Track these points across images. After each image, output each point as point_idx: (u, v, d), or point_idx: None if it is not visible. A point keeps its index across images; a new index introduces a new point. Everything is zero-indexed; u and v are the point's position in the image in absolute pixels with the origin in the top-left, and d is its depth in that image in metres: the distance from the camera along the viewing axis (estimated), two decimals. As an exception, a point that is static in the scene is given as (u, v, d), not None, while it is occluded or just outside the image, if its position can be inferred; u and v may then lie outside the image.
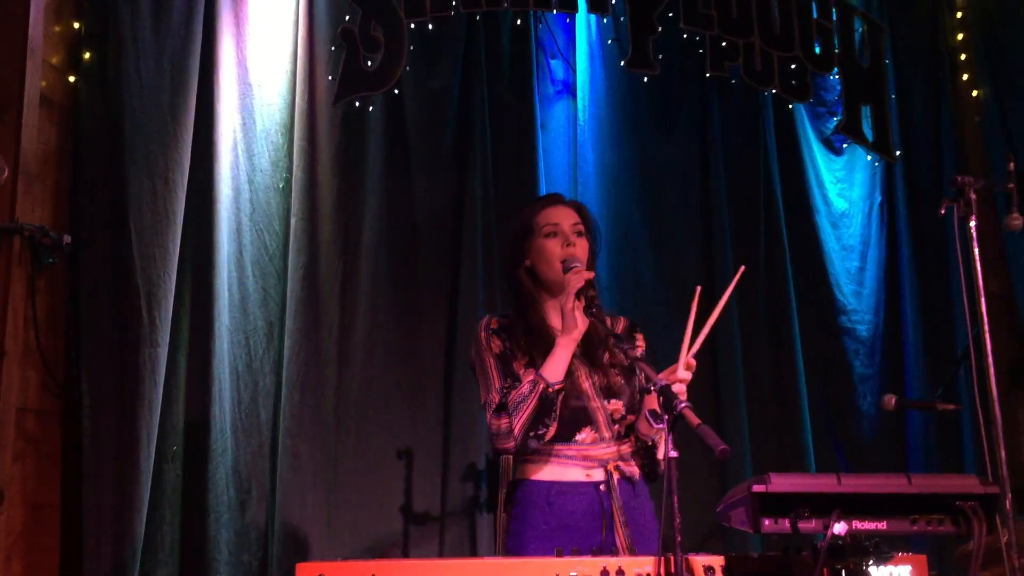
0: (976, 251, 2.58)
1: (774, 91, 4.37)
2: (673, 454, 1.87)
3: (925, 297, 4.55)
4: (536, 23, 4.09)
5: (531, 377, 2.43)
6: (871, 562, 1.84)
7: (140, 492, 2.99)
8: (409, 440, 3.59)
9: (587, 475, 2.50)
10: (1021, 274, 4.58)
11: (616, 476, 2.49)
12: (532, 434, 2.43)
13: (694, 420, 1.86)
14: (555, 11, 4.03)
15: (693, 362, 2.42)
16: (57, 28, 3.23)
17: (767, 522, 1.83)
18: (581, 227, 2.62)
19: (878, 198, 4.64)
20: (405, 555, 3.49)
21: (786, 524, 1.83)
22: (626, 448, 2.56)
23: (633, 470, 2.53)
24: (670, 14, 4.16)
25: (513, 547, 2.51)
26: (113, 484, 2.98)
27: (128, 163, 3.17)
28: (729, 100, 4.37)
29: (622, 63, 4.10)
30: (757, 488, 1.81)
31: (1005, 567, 2.25)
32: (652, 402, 2.45)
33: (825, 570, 1.83)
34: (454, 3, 3.80)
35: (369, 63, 3.70)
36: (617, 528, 2.44)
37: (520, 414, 2.41)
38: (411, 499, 3.54)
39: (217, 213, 3.33)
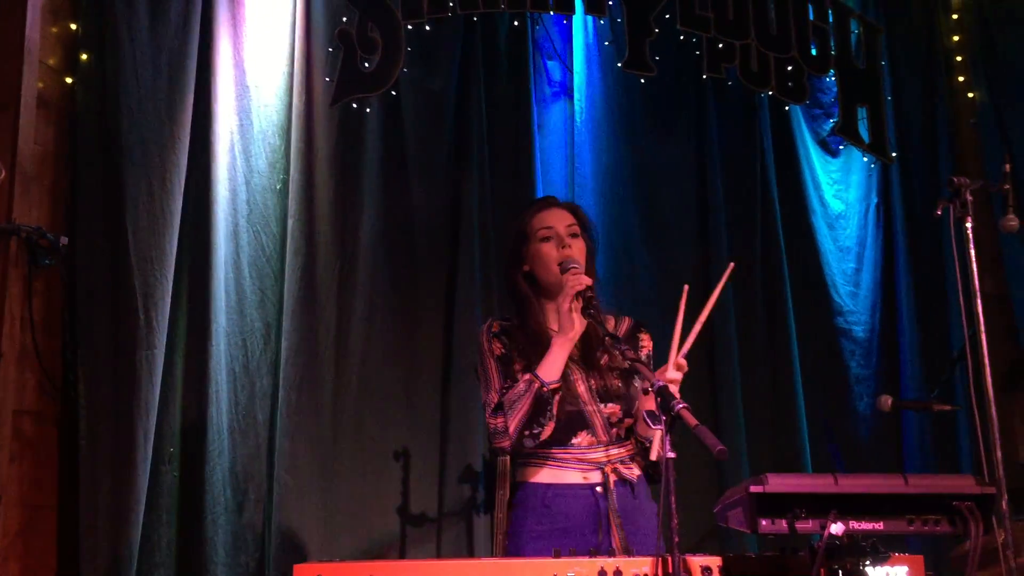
0: (972, 252, 2.58)
1: (770, 92, 4.38)
2: (671, 455, 1.87)
3: (921, 298, 4.56)
4: (533, 24, 4.10)
5: (527, 377, 2.44)
6: (868, 562, 1.85)
7: (137, 494, 2.99)
8: (406, 441, 3.59)
9: (584, 478, 2.51)
10: (1016, 275, 4.59)
11: (613, 479, 2.50)
12: (527, 433, 2.44)
13: (691, 421, 1.87)
14: (552, 12, 4.03)
15: (683, 362, 2.43)
16: (54, 29, 3.23)
17: (764, 522, 1.83)
18: (576, 228, 2.63)
19: (874, 199, 4.65)
20: (402, 556, 3.49)
21: (783, 524, 1.84)
22: (625, 451, 2.56)
23: (632, 473, 2.54)
24: (667, 16, 4.17)
25: (511, 549, 2.52)
26: (110, 486, 2.98)
27: (125, 164, 3.16)
28: (726, 101, 4.38)
29: (619, 64, 4.11)
30: (754, 489, 1.82)
31: (1001, 567, 2.26)
32: (647, 403, 2.46)
33: (822, 570, 1.84)
34: (451, 4, 3.80)
35: (366, 64, 3.70)
36: (613, 530, 2.44)
37: (516, 413, 2.43)
38: (408, 500, 3.54)
39: (214, 214, 3.32)
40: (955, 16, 4.99)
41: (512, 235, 2.70)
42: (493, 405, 2.50)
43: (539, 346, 2.51)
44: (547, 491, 2.51)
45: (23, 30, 3.07)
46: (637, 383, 2.55)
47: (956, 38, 4.99)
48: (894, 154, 4.66)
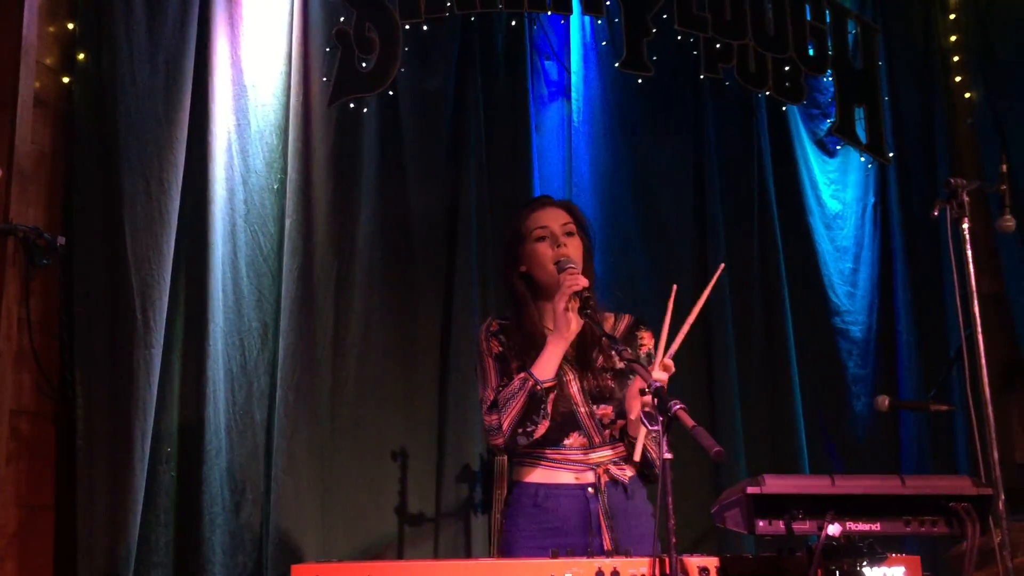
0: (969, 252, 2.59)
1: (768, 93, 4.38)
2: (668, 456, 1.87)
3: (918, 298, 4.57)
4: (531, 24, 4.10)
5: (521, 375, 2.45)
6: (865, 563, 1.85)
7: (134, 494, 2.98)
8: (404, 441, 3.59)
9: (576, 478, 2.51)
10: (1013, 275, 4.60)
11: (605, 480, 2.50)
12: (520, 431, 2.45)
13: (689, 422, 1.87)
14: (550, 12, 4.03)
15: (670, 363, 2.42)
16: (51, 29, 3.22)
17: (762, 523, 1.84)
18: (572, 226, 2.62)
19: (871, 199, 4.66)
20: (400, 556, 3.50)
21: (780, 525, 1.84)
22: (618, 452, 2.56)
23: (625, 474, 2.54)
24: (664, 16, 4.17)
25: (504, 548, 2.53)
26: (107, 486, 2.97)
27: (122, 164, 3.15)
28: (723, 102, 4.38)
29: (616, 65, 4.11)
30: (752, 489, 1.82)
31: (998, 568, 2.26)
32: (632, 400, 2.45)
33: (819, 571, 1.84)
34: (448, 4, 3.80)
35: (364, 64, 3.70)
36: (603, 532, 2.45)
37: (509, 411, 2.44)
38: (406, 500, 3.54)
39: (211, 214, 3.32)
40: (952, 16, 5.00)
41: (508, 235, 2.70)
42: (489, 402, 2.51)
43: (534, 346, 2.51)
44: (538, 491, 2.51)
45: (20, 29, 3.05)
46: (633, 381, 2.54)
47: (953, 38, 4.99)
48: (891, 154, 4.66)
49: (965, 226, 2.59)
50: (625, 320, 2.69)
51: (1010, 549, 2.28)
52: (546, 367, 2.44)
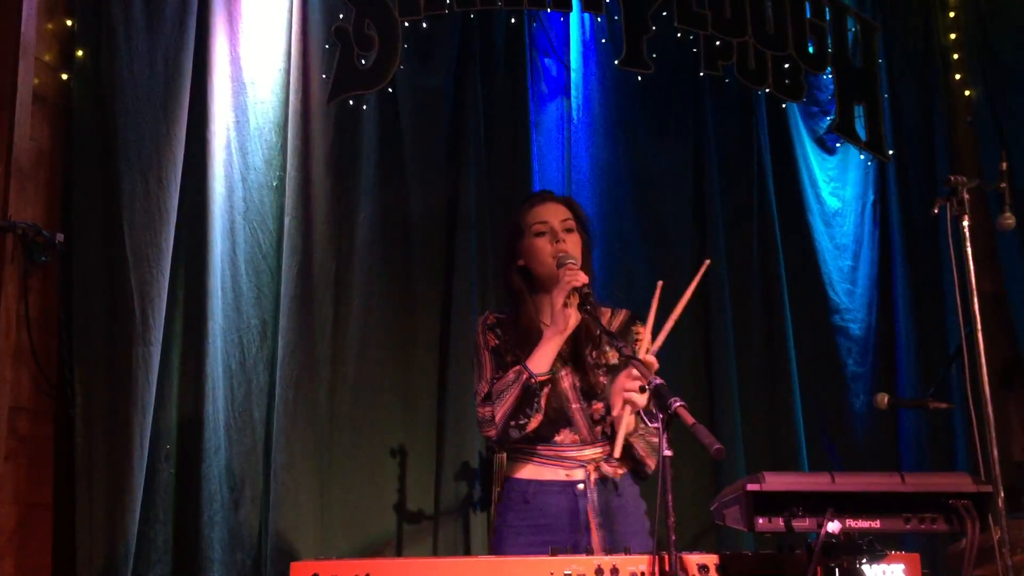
0: (969, 250, 2.58)
1: (767, 90, 4.38)
2: (668, 453, 1.87)
3: (917, 296, 4.56)
4: (530, 22, 4.09)
5: (516, 368, 2.46)
6: (864, 560, 1.85)
7: (133, 491, 2.98)
8: (403, 439, 3.59)
9: (566, 475, 2.51)
10: (1013, 273, 4.60)
11: (595, 477, 2.50)
12: (513, 424, 2.45)
13: (688, 419, 1.87)
14: (549, 10, 4.03)
15: (653, 359, 2.43)
16: (50, 26, 3.21)
17: (761, 520, 1.84)
18: (571, 223, 2.62)
19: (871, 197, 4.65)
20: (399, 554, 3.50)
21: (780, 523, 1.84)
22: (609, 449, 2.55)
23: (617, 471, 2.53)
24: (664, 13, 4.16)
25: (495, 544, 2.53)
26: (106, 483, 2.97)
27: (121, 161, 3.15)
28: (723, 99, 4.38)
29: (616, 62, 4.10)
30: (751, 487, 1.82)
31: (997, 565, 2.26)
32: (615, 396, 2.45)
33: (819, 568, 1.84)
34: (448, 2, 3.79)
35: (363, 61, 3.70)
36: (592, 530, 2.44)
37: (503, 403, 2.44)
38: (405, 498, 3.54)
39: (210, 211, 3.32)
40: (952, 14, 4.99)
41: (507, 229, 2.71)
42: (483, 394, 2.52)
43: (530, 340, 2.52)
44: (528, 487, 2.52)
45: (19, 26, 3.05)
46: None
47: (953, 36, 4.99)
48: (891, 152, 4.66)
49: (965, 224, 2.59)
50: (621, 315, 2.69)
51: (1009, 546, 2.28)
52: (541, 361, 2.45)
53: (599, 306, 2.60)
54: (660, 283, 2.51)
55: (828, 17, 4.54)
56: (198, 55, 3.36)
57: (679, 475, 1.88)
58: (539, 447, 2.54)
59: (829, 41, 4.53)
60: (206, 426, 3.18)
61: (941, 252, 4.46)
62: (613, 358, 2.61)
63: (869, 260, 4.58)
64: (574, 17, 4.16)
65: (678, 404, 1.88)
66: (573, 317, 2.45)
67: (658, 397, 1.93)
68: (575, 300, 2.44)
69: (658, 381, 1.98)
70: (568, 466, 2.52)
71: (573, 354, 2.57)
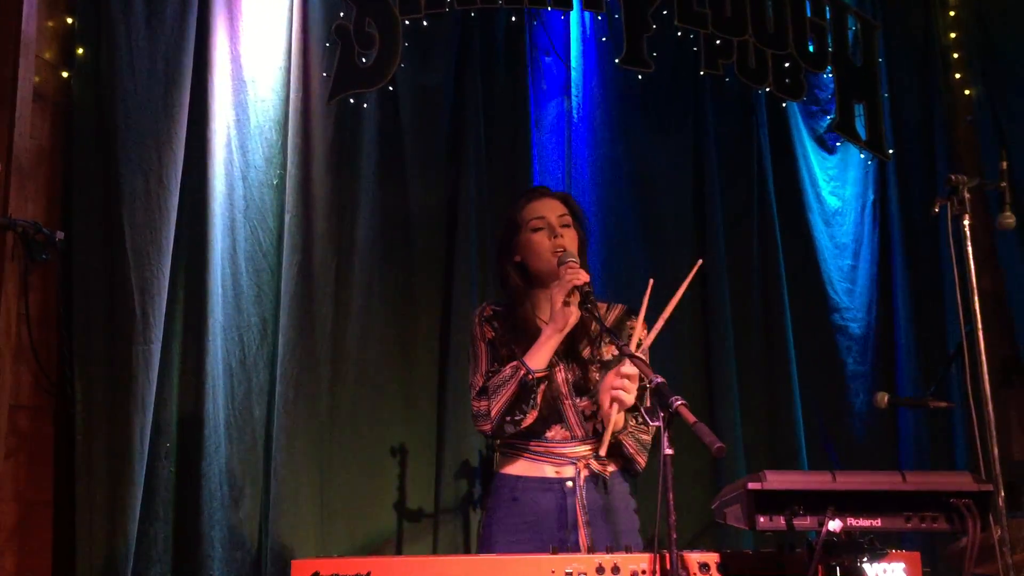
0: (969, 249, 2.59)
1: (768, 89, 4.38)
2: (669, 452, 1.87)
3: (917, 295, 4.57)
4: (531, 20, 4.09)
5: (513, 363, 2.46)
6: (865, 559, 1.85)
7: (133, 489, 2.98)
8: (403, 437, 3.59)
9: (556, 472, 2.52)
10: (1013, 272, 4.60)
11: (585, 474, 2.50)
12: (508, 419, 2.46)
13: (690, 418, 1.87)
14: (550, 8, 4.03)
15: (643, 356, 2.42)
16: (50, 23, 3.21)
17: (762, 519, 1.84)
18: (568, 218, 2.63)
19: (871, 196, 4.65)
20: (399, 552, 3.50)
21: (781, 521, 1.84)
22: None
23: (606, 469, 2.53)
24: (664, 12, 4.16)
25: (484, 541, 2.54)
26: (106, 481, 2.97)
27: (121, 159, 3.15)
28: (723, 98, 4.38)
29: (616, 61, 4.10)
30: (753, 485, 1.83)
31: (997, 564, 2.26)
32: (603, 393, 2.45)
33: (819, 567, 1.84)
34: (448, 0, 3.79)
35: (363, 60, 3.69)
36: (580, 527, 2.44)
37: (499, 398, 2.45)
38: (404, 496, 3.54)
39: (211, 209, 3.32)
40: (952, 13, 4.99)
41: (503, 225, 2.71)
42: (478, 388, 2.53)
43: (527, 335, 2.52)
44: (517, 483, 2.53)
45: (19, 24, 3.05)
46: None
47: (953, 35, 4.99)
48: (891, 151, 4.66)
49: (966, 223, 2.59)
50: (617, 310, 2.70)
51: (1009, 545, 2.28)
52: (539, 357, 2.45)
53: (596, 301, 2.60)
54: (651, 281, 2.51)
55: (828, 16, 4.54)
56: (198, 53, 3.36)
57: (677, 474, 1.87)
58: (531, 443, 2.54)
59: (829, 40, 4.53)
60: (206, 424, 3.18)
61: (941, 251, 4.47)
62: (608, 355, 2.61)
63: (869, 259, 4.58)
64: (574, 16, 4.16)
65: (679, 403, 1.88)
66: (573, 315, 2.46)
67: (659, 395, 1.93)
68: (575, 298, 2.44)
69: (659, 379, 1.98)
70: (558, 462, 2.52)
71: (568, 349, 2.57)
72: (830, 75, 4.57)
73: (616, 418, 2.44)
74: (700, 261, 2.61)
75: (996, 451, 2.41)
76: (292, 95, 3.55)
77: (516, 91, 4.02)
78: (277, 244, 3.48)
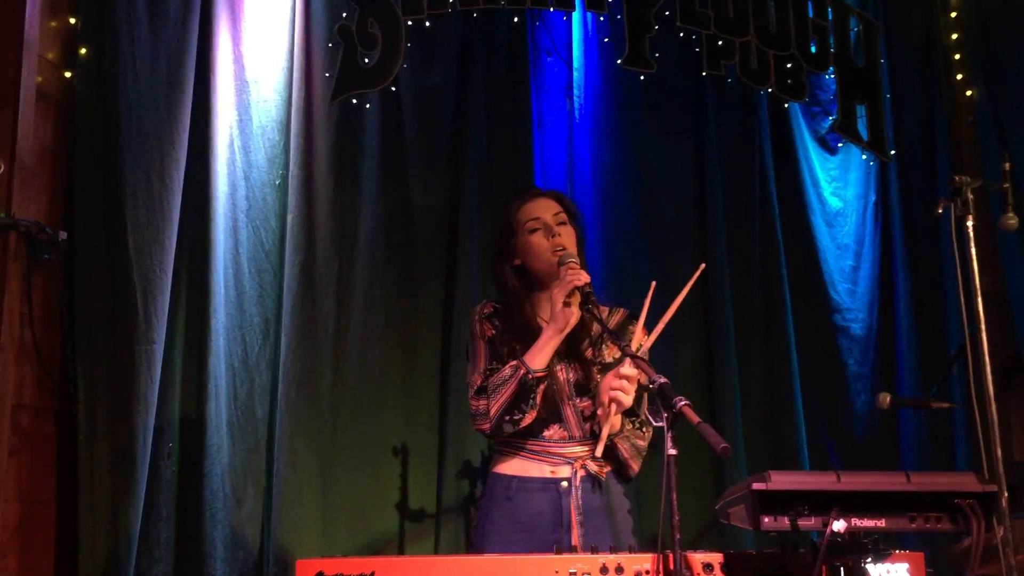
0: (973, 250, 2.59)
1: (770, 90, 4.38)
2: (672, 452, 1.87)
3: (919, 296, 4.56)
4: (533, 21, 4.09)
5: (513, 363, 2.45)
6: (869, 559, 1.86)
7: (135, 489, 2.99)
8: (405, 437, 3.59)
9: (551, 472, 2.51)
10: (1014, 273, 4.60)
11: (581, 475, 2.50)
12: (507, 418, 2.46)
13: (694, 418, 1.87)
14: (552, 9, 4.03)
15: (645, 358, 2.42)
16: (53, 23, 3.22)
17: (767, 519, 1.84)
18: (563, 216, 2.63)
19: (872, 197, 4.65)
20: (401, 552, 3.50)
21: (785, 522, 1.84)
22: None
23: (602, 470, 2.54)
24: (667, 12, 4.16)
25: (477, 540, 2.53)
26: (108, 481, 2.98)
27: (124, 159, 3.15)
28: (725, 99, 4.38)
29: (619, 61, 4.10)
30: (757, 486, 1.83)
31: (1001, 564, 2.26)
32: (602, 394, 2.45)
33: (823, 567, 1.84)
34: (451, 1, 3.80)
35: (366, 60, 3.70)
36: (574, 528, 2.45)
37: (498, 397, 2.45)
38: (407, 496, 3.54)
39: (213, 209, 3.32)
40: (954, 14, 4.99)
41: (499, 229, 2.71)
42: (476, 387, 2.53)
43: (527, 336, 2.52)
44: (511, 483, 2.52)
45: (22, 24, 3.05)
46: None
47: (955, 36, 4.99)
48: (892, 152, 4.66)
49: (969, 223, 2.59)
50: (619, 314, 2.70)
51: (1013, 546, 2.28)
52: (539, 357, 2.45)
53: (597, 302, 2.60)
54: (653, 283, 2.52)
55: (830, 17, 4.54)
56: (201, 54, 3.36)
57: (679, 474, 1.87)
58: (528, 442, 2.54)
59: (831, 41, 4.53)
60: (208, 424, 3.18)
61: (943, 252, 4.46)
62: (609, 356, 2.62)
63: (870, 260, 4.58)
64: (576, 16, 4.16)
65: (683, 403, 1.88)
66: (574, 315, 2.46)
67: (662, 396, 1.93)
68: (576, 298, 2.44)
69: (662, 380, 1.98)
70: (554, 462, 2.52)
71: (570, 350, 2.57)
72: (832, 76, 4.57)
73: (613, 420, 2.44)
74: (703, 265, 2.61)
75: (999, 452, 2.42)
76: (295, 95, 3.55)
77: (518, 91, 4.02)
78: (279, 244, 3.48)
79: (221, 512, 3.18)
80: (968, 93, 4.92)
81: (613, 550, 2.01)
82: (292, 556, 3.21)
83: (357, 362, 3.56)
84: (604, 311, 2.65)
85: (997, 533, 2.19)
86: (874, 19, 4.71)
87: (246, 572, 3.22)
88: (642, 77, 4.16)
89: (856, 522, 1.84)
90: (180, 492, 3.17)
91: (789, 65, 4.40)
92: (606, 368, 2.57)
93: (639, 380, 2.40)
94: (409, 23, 3.76)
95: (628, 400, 2.40)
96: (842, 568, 1.83)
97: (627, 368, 2.39)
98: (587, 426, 2.56)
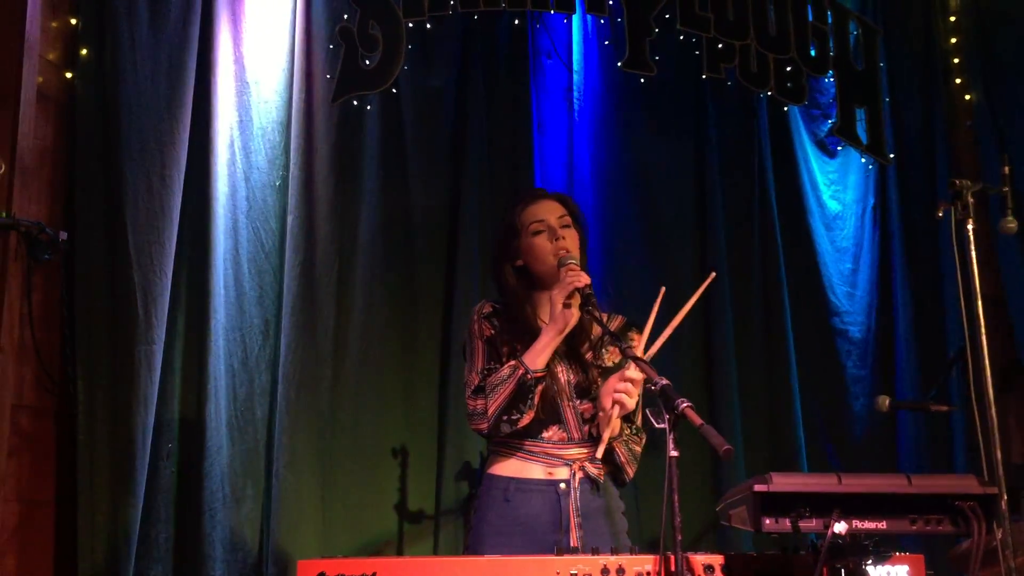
0: (973, 254, 2.59)
1: (769, 93, 4.39)
2: (674, 453, 1.87)
3: (917, 299, 4.57)
4: (533, 23, 4.10)
5: (512, 363, 2.45)
6: (870, 561, 1.86)
7: (135, 489, 2.99)
8: (404, 438, 3.60)
9: (549, 473, 2.51)
10: (1013, 277, 4.61)
11: (579, 476, 2.50)
12: (505, 418, 2.46)
13: (696, 420, 1.87)
14: (552, 11, 4.03)
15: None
16: (54, 24, 3.22)
17: (768, 521, 1.84)
18: (568, 219, 2.63)
19: (871, 200, 4.66)
20: (399, 553, 3.50)
21: (787, 523, 1.85)
22: (595, 450, 2.55)
23: (600, 472, 2.54)
24: (667, 15, 4.17)
25: (473, 542, 2.52)
26: (108, 481, 2.98)
27: (124, 159, 3.16)
28: (725, 102, 4.38)
29: (619, 64, 4.11)
30: (759, 488, 1.83)
31: (1000, 567, 2.27)
32: (604, 396, 2.45)
33: (824, 569, 1.85)
34: (452, 3, 3.80)
35: (367, 62, 3.70)
36: (572, 530, 2.45)
37: (496, 397, 2.44)
38: (405, 497, 3.54)
39: (213, 210, 3.32)
40: (953, 18, 5.00)
41: (502, 229, 2.70)
42: (474, 386, 2.53)
43: (527, 337, 2.52)
44: (509, 485, 2.52)
45: (23, 24, 3.05)
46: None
47: (954, 40, 5.00)
48: (891, 155, 4.67)
49: (969, 227, 2.60)
50: (616, 321, 2.70)
51: (1012, 549, 2.29)
52: (538, 357, 2.45)
53: (597, 306, 2.60)
54: (663, 289, 2.52)
55: (830, 20, 4.55)
56: (202, 54, 3.36)
57: (680, 475, 1.87)
58: (526, 442, 2.54)
59: (831, 44, 4.54)
60: (208, 425, 3.18)
61: (941, 255, 4.47)
62: (609, 360, 2.62)
63: (869, 263, 4.59)
64: (577, 19, 4.16)
65: (685, 405, 1.89)
66: (574, 316, 2.46)
67: (664, 398, 1.94)
68: (576, 300, 2.44)
69: (664, 381, 1.99)
70: (552, 464, 2.52)
71: (569, 351, 2.57)
72: (831, 79, 4.58)
73: (614, 423, 2.44)
74: (713, 274, 2.61)
75: (999, 455, 2.42)
76: (295, 96, 3.55)
77: (518, 94, 4.03)
78: (279, 245, 3.48)
79: (220, 512, 3.18)
80: (967, 97, 4.93)
81: (614, 551, 2.01)
82: (291, 557, 3.22)
83: (356, 363, 3.56)
84: (603, 317, 2.66)
85: (996, 535, 2.20)
86: (873, 23, 4.72)
87: (245, 573, 3.22)
88: (642, 80, 4.17)
89: (857, 524, 1.85)
90: (179, 492, 3.17)
91: (789, 68, 4.40)
92: (606, 371, 2.57)
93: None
94: (410, 25, 3.76)
95: (632, 403, 2.41)
96: (843, 570, 1.84)
97: (632, 371, 2.39)
98: (586, 428, 2.56)
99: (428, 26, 3.81)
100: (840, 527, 1.81)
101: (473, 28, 3.96)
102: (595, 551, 2.02)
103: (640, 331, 2.62)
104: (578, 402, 2.55)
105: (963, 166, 4.81)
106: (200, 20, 3.37)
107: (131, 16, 3.24)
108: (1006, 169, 2.93)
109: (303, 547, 3.27)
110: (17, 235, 2.96)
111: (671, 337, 2.55)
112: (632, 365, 2.38)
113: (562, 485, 2.50)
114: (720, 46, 4.26)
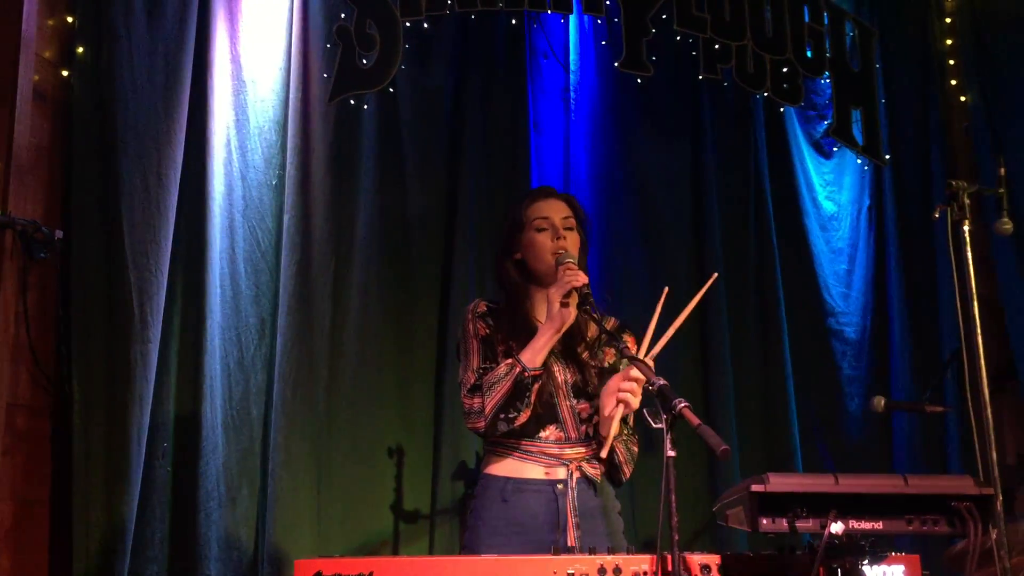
0: (969, 255, 2.60)
1: (766, 94, 4.40)
2: (671, 454, 1.87)
3: (912, 300, 4.59)
4: (530, 23, 4.10)
5: (509, 361, 2.45)
6: (866, 561, 1.86)
7: (130, 488, 2.97)
8: (400, 438, 3.60)
9: (546, 473, 2.51)
10: (1007, 278, 4.62)
11: (576, 476, 2.50)
12: (502, 417, 2.45)
13: (694, 420, 1.87)
14: (549, 12, 4.04)
15: (650, 362, 2.43)
16: (50, 22, 3.21)
17: (765, 521, 1.85)
18: (572, 220, 2.63)
19: (867, 201, 4.68)
20: (395, 553, 3.50)
21: (784, 523, 1.85)
22: (592, 449, 2.56)
23: (597, 472, 2.54)
24: (664, 16, 4.18)
25: (469, 541, 2.52)
26: (103, 480, 2.96)
27: (121, 158, 3.14)
28: (721, 102, 4.40)
29: (616, 64, 4.11)
30: (756, 488, 1.83)
31: (996, 567, 2.27)
32: (607, 397, 2.45)
33: (821, 569, 1.85)
34: (449, 3, 3.80)
35: (364, 61, 3.70)
36: (570, 529, 2.44)
37: (493, 395, 2.44)
38: (401, 497, 3.54)
39: (210, 209, 3.31)
40: (948, 20, 5.02)
41: (507, 222, 2.71)
42: (469, 385, 2.52)
43: (524, 333, 2.52)
44: (506, 484, 2.51)
45: (19, 23, 3.04)
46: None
47: (949, 41, 5.02)
48: (887, 156, 4.68)
49: (966, 228, 2.61)
50: (610, 323, 2.69)
51: (1007, 549, 2.30)
52: (535, 355, 2.44)
53: (595, 306, 2.60)
54: (666, 289, 2.51)
55: (826, 21, 4.57)
56: (198, 53, 3.35)
57: (677, 475, 1.88)
58: (523, 442, 2.53)
59: (827, 45, 4.56)
60: (204, 424, 3.18)
61: (937, 256, 4.49)
62: (607, 360, 2.62)
63: (865, 264, 4.60)
64: (574, 19, 4.17)
65: (683, 405, 1.89)
66: (571, 315, 2.46)
67: (662, 397, 1.94)
68: (574, 299, 2.44)
69: (662, 382, 1.99)
70: (550, 463, 2.52)
71: (567, 351, 2.57)
72: (827, 80, 4.59)
73: (616, 423, 2.45)
74: (715, 275, 2.61)
75: (995, 455, 2.43)
76: (292, 96, 3.55)
77: (515, 94, 4.03)
78: (276, 244, 3.47)
79: (216, 512, 3.18)
80: (963, 98, 4.95)
81: (611, 551, 2.01)
82: (286, 556, 3.21)
83: (353, 362, 3.56)
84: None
85: (992, 536, 2.20)
86: (870, 24, 4.74)
87: (240, 572, 3.22)
88: (639, 80, 4.18)
89: (853, 524, 1.85)
90: (175, 492, 3.15)
91: (785, 69, 4.41)
92: (602, 371, 2.57)
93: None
94: (407, 24, 3.76)
95: (636, 402, 2.41)
96: (839, 570, 1.84)
97: (636, 372, 2.39)
98: (583, 428, 2.56)
99: (425, 26, 3.81)
100: (837, 527, 1.81)
101: (470, 28, 3.97)
102: (592, 551, 2.02)
103: (632, 334, 2.63)
104: (575, 401, 2.55)
105: (959, 167, 4.82)
106: (197, 19, 3.36)
107: (128, 14, 3.22)
108: (1002, 170, 2.94)
109: (299, 546, 3.27)
110: (13, 233, 2.95)
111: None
112: (632, 366, 2.38)
113: (559, 485, 2.50)
114: (717, 47, 4.27)
